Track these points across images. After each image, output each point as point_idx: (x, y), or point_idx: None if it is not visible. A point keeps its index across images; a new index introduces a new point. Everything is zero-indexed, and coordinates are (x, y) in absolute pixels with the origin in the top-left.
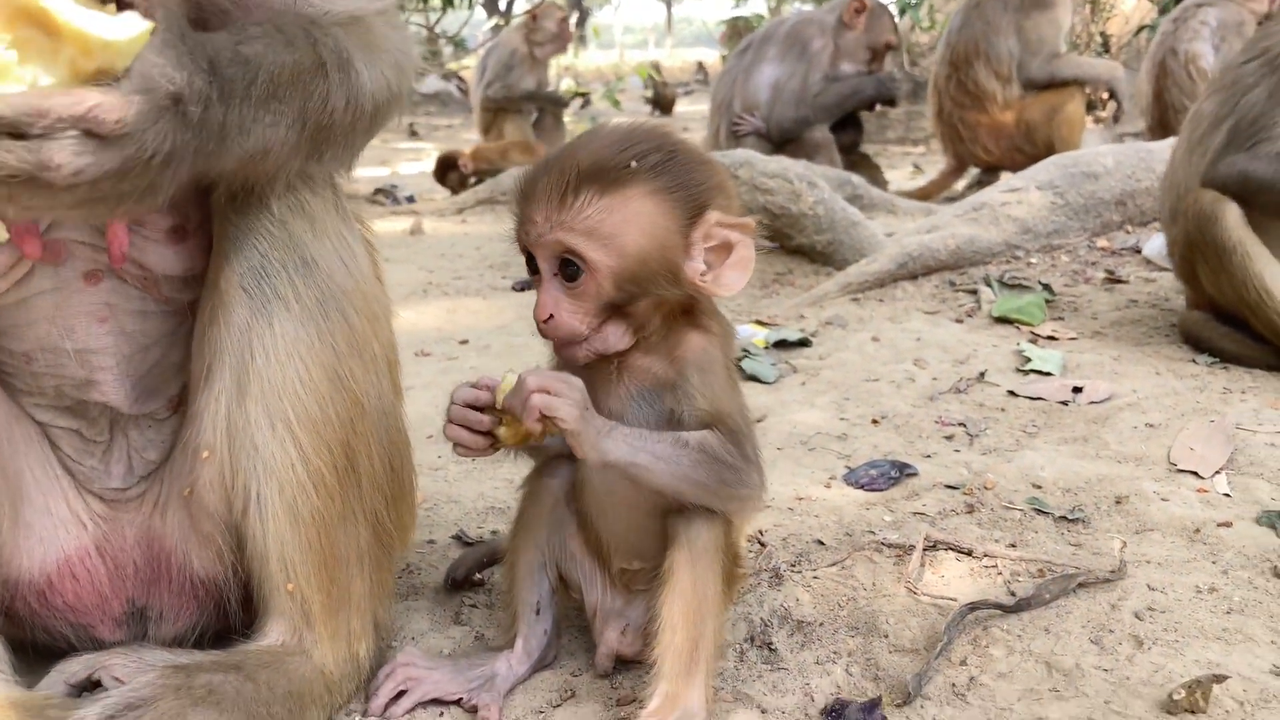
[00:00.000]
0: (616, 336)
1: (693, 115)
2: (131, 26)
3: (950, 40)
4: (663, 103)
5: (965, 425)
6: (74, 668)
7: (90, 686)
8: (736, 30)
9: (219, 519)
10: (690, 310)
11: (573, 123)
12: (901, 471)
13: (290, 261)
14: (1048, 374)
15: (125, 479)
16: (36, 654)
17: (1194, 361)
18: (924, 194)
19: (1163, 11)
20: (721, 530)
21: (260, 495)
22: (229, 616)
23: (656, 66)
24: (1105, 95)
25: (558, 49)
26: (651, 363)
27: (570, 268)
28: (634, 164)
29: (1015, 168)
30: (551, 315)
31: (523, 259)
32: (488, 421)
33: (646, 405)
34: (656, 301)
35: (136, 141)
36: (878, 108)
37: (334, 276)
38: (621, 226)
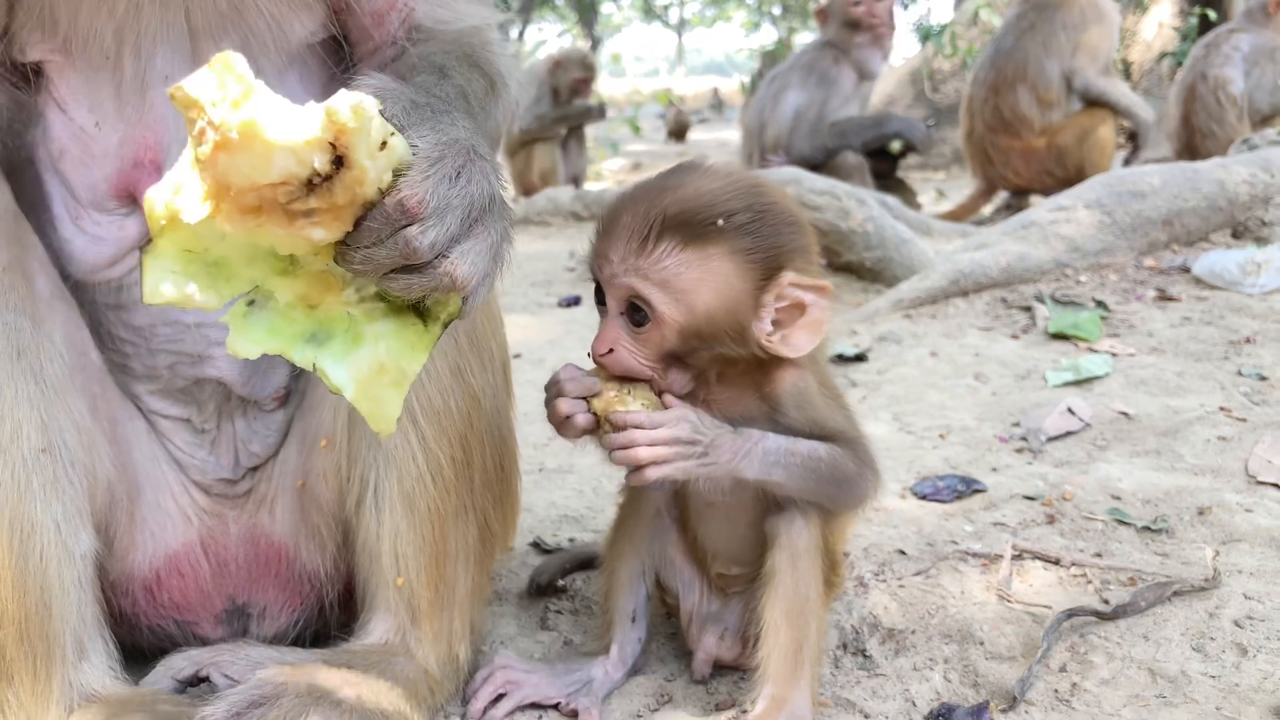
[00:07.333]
0: (679, 382)
1: (708, 143)
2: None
3: (996, 61)
4: (678, 130)
5: (1032, 438)
6: (180, 664)
7: (195, 683)
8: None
9: (329, 511)
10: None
11: (592, 146)
12: (968, 486)
13: None
14: (1100, 377)
15: (233, 470)
16: (137, 653)
17: (1261, 378)
18: (954, 216)
19: (1184, 39)
20: (820, 531)
21: (378, 485)
22: (326, 614)
23: (670, 96)
24: (1125, 125)
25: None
26: (738, 395)
27: (638, 313)
28: (721, 222)
29: (1045, 190)
30: (611, 350)
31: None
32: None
33: None
34: (719, 356)
35: None
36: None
37: None
38: (696, 284)
